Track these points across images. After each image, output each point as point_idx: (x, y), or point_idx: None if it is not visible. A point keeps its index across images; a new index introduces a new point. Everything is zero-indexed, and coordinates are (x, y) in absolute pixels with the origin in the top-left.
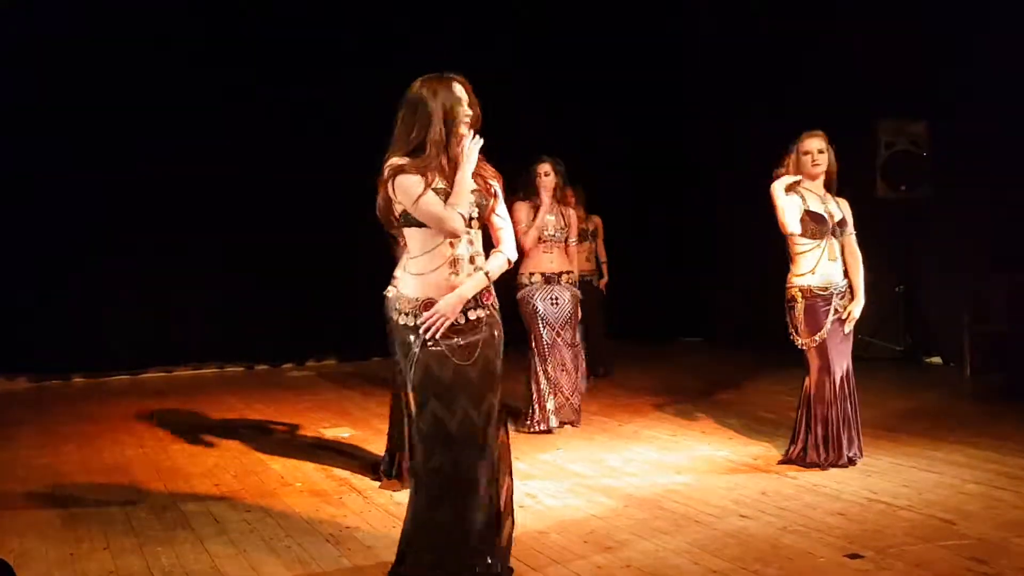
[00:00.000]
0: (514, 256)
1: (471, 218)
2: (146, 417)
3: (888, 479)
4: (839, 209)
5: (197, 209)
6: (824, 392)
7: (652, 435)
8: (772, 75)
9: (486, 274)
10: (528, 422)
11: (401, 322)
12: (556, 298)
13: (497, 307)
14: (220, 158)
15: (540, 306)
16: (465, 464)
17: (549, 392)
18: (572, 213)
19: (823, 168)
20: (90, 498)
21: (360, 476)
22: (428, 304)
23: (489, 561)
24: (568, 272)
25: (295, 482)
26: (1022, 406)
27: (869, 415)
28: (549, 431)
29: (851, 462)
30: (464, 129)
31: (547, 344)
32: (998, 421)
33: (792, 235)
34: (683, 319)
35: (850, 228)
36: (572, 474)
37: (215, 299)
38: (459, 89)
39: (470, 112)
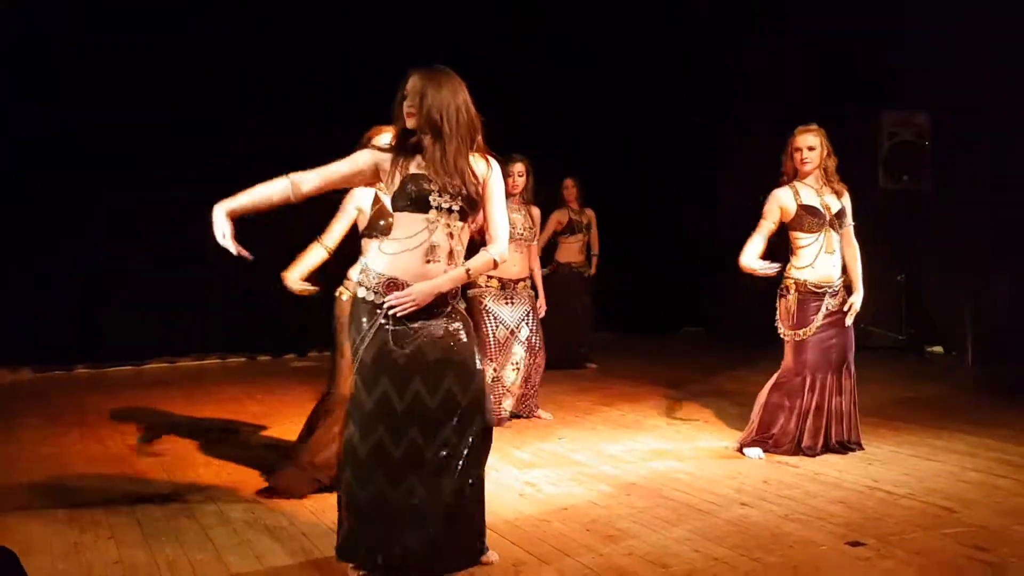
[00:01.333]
0: (502, 256)
1: (451, 211)
2: (149, 408)
3: (889, 467)
4: (837, 201)
5: (198, 200)
6: (785, 385)
7: (653, 424)
8: (773, 66)
9: (467, 271)
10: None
11: (361, 295)
12: (511, 300)
13: (462, 307)
14: (220, 151)
15: (492, 306)
16: (406, 443)
17: (502, 391)
18: (537, 212)
19: (812, 166)
20: (94, 489)
21: None
22: (392, 283)
23: (424, 544)
24: (524, 279)
25: None
26: (1023, 395)
27: (870, 404)
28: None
29: (809, 452)
30: (406, 121)
31: (499, 342)
32: (999, 410)
33: (743, 266)
34: (684, 309)
35: (848, 220)
36: (574, 463)
37: (217, 290)
38: (409, 82)
39: (410, 104)
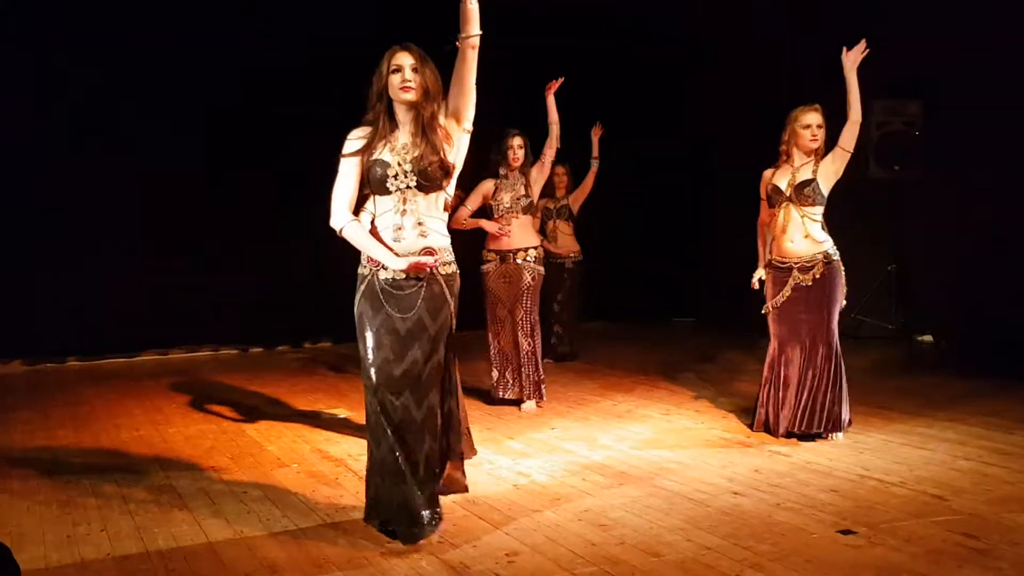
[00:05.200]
0: None
1: (408, 187)
2: (141, 400)
3: (880, 456)
4: (811, 173)
5: (191, 192)
6: (769, 359)
7: (646, 414)
8: (765, 55)
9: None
10: (492, 392)
11: (359, 271)
12: (508, 275)
13: (448, 271)
14: (211, 141)
15: (493, 284)
16: (389, 406)
17: (497, 366)
18: (533, 174)
19: (820, 142)
20: (87, 481)
21: (356, 457)
22: (371, 259)
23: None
24: (524, 249)
25: (291, 463)
26: (1012, 384)
27: (861, 393)
28: (506, 402)
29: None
30: (403, 95)
31: (499, 321)
32: (989, 399)
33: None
34: (676, 299)
35: (837, 152)
36: (566, 452)
37: (210, 282)
38: (401, 57)
39: (409, 78)
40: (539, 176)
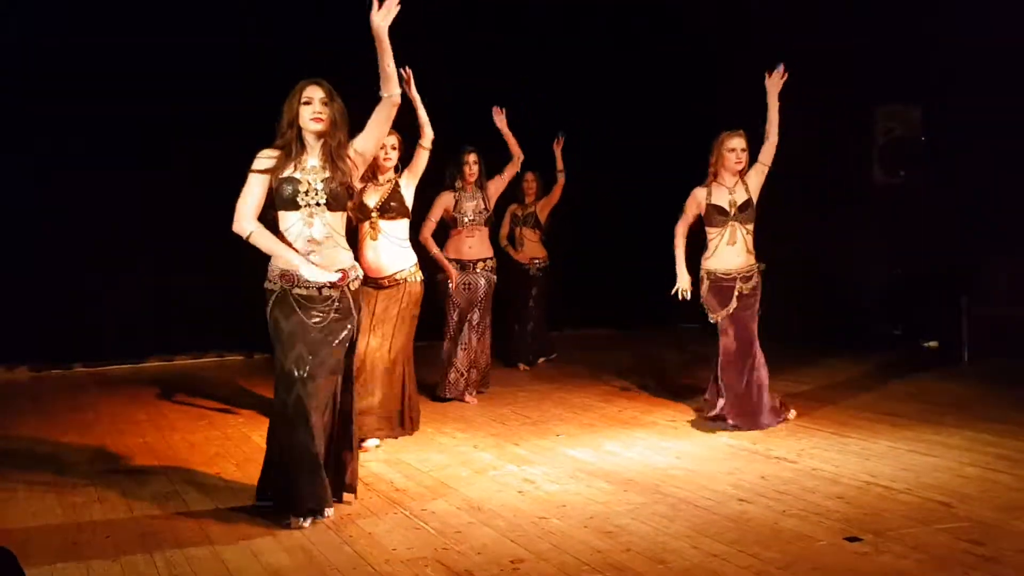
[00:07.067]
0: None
1: (318, 204)
2: (147, 406)
3: (886, 462)
4: (745, 192)
5: (193, 197)
6: (730, 358)
7: (651, 421)
8: (766, 60)
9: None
10: (439, 390)
11: (266, 286)
12: (468, 284)
13: (355, 286)
14: (214, 145)
15: (453, 291)
16: (308, 399)
17: (450, 366)
18: (491, 188)
19: (744, 164)
20: (92, 487)
21: (363, 463)
22: (284, 274)
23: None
24: (483, 260)
25: None
26: (1020, 389)
27: (867, 399)
28: (447, 399)
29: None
30: (312, 125)
31: (454, 324)
32: (996, 404)
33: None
34: (680, 306)
35: (757, 167)
36: (572, 460)
37: (215, 287)
38: (312, 91)
39: (319, 111)
40: (496, 191)
